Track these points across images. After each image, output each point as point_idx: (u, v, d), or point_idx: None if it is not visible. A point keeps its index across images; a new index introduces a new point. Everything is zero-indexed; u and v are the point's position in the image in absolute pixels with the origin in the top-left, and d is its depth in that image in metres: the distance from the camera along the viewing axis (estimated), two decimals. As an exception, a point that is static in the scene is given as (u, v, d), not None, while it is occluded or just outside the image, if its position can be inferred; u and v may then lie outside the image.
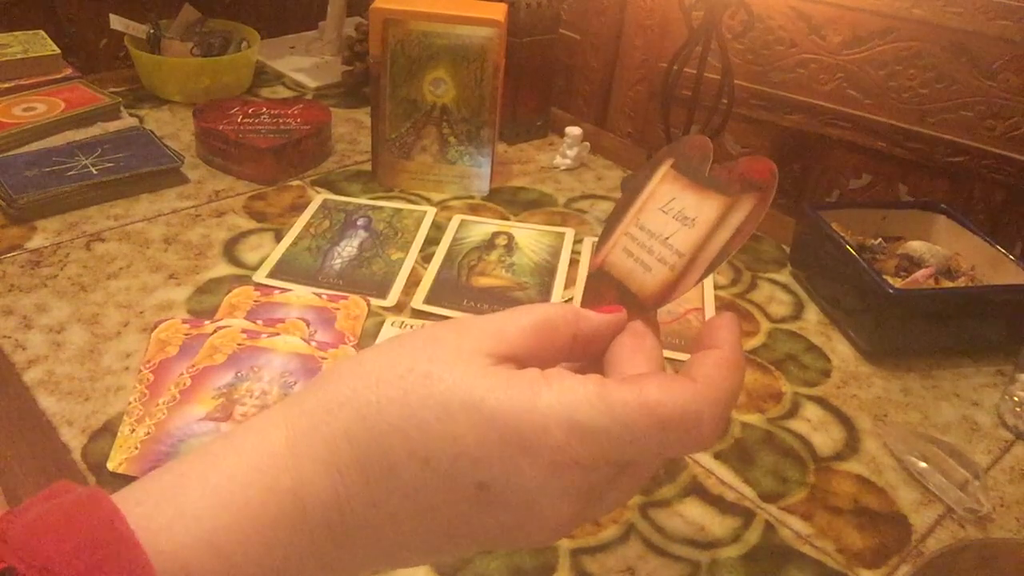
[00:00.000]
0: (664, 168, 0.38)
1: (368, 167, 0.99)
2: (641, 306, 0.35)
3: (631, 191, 0.39)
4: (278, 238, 0.84)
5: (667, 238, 0.36)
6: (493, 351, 0.29)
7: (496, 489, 0.29)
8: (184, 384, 0.64)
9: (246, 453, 0.29)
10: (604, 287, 0.38)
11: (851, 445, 0.65)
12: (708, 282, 0.83)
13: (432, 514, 0.29)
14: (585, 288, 0.39)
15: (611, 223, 0.39)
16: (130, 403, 0.62)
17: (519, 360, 0.30)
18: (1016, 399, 0.68)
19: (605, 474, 0.30)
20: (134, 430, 0.60)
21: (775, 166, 0.34)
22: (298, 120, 1.00)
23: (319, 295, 0.76)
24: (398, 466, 0.28)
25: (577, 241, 0.87)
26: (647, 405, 0.28)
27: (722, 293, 0.82)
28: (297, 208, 0.90)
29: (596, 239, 0.89)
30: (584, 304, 0.38)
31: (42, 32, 1.13)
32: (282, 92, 1.18)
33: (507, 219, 0.92)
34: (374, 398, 0.29)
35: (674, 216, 0.36)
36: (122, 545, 0.26)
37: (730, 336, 0.33)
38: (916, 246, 0.80)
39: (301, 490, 0.28)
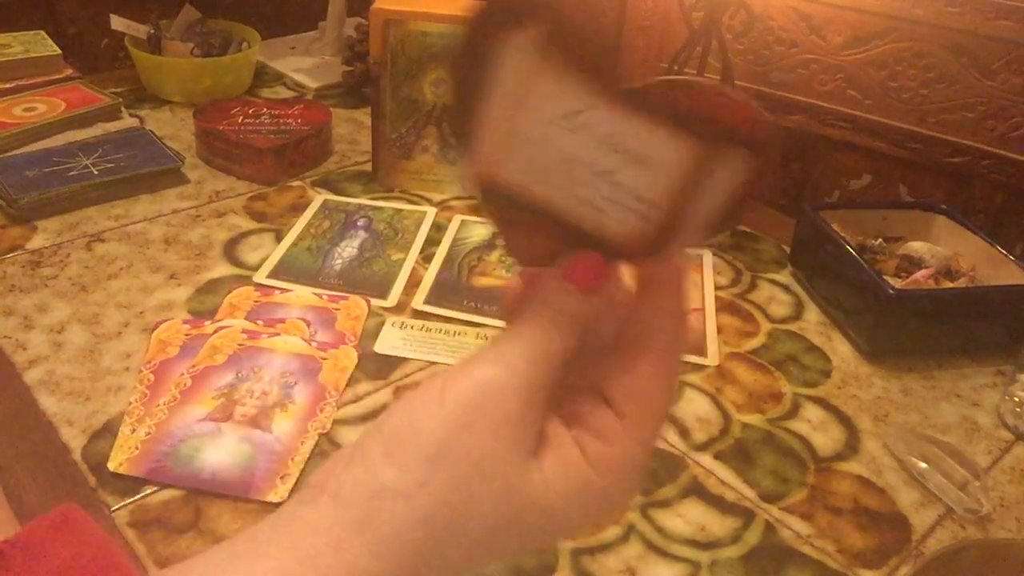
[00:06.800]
0: (529, 45, 0.24)
1: (368, 167, 0.99)
2: (616, 251, 0.28)
3: (471, 68, 0.25)
4: (278, 238, 0.84)
5: (606, 172, 0.27)
6: (525, 446, 0.29)
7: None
8: (184, 384, 0.64)
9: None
10: (525, 218, 0.28)
11: (851, 445, 0.65)
12: (708, 282, 0.83)
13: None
14: (498, 222, 0.29)
15: (470, 112, 0.26)
16: (130, 403, 0.62)
17: (537, 425, 0.29)
18: (1016, 399, 0.68)
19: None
20: (135, 430, 0.60)
21: (765, 114, 0.26)
22: (298, 120, 1.00)
23: (319, 295, 0.76)
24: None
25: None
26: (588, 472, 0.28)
27: (722, 293, 0.82)
28: (297, 208, 0.90)
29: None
30: (513, 248, 0.30)
31: (42, 32, 1.13)
32: (282, 92, 1.18)
33: (507, 219, 0.91)
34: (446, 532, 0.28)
35: (600, 143, 0.26)
36: None
37: (664, 324, 0.29)
38: (916, 246, 0.80)
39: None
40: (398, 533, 0.27)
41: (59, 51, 1.09)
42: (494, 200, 0.28)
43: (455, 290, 0.78)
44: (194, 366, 0.66)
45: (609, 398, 0.29)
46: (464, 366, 0.28)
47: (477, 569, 0.29)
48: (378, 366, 0.68)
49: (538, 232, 0.28)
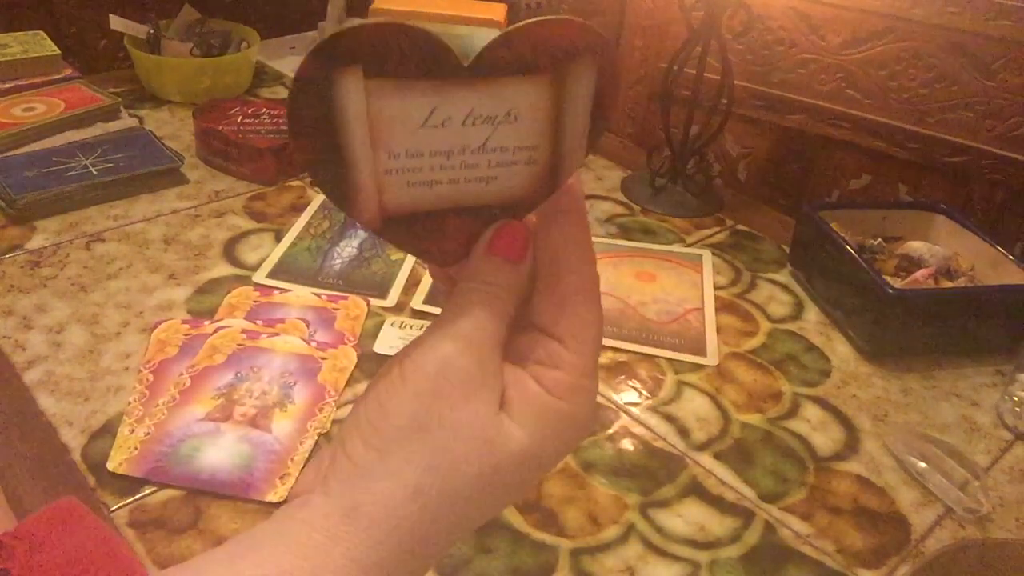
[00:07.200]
0: (355, 83, 0.26)
1: (368, 167, 0.99)
2: (521, 205, 0.30)
3: (314, 121, 0.26)
4: (278, 238, 0.84)
5: (483, 145, 0.28)
6: (494, 403, 0.30)
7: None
8: (184, 384, 0.64)
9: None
10: (429, 227, 0.30)
11: (851, 445, 0.65)
12: (708, 282, 0.83)
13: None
14: (405, 244, 0.30)
15: (334, 167, 0.27)
16: (130, 403, 0.62)
17: (499, 382, 0.30)
18: (1016, 399, 0.68)
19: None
20: (134, 430, 0.60)
21: (582, 21, 0.27)
22: (298, 120, 0.99)
23: (319, 295, 0.76)
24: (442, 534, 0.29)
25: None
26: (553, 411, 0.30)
27: (722, 293, 0.82)
28: (297, 208, 0.90)
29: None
30: (429, 256, 0.31)
31: (42, 32, 1.13)
32: (282, 92, 1.18)
33: (507, 219, 0.91)
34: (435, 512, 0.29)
35: (465, 123, 0.28)
36: None
37: (574, 244, 0.30)
38: (916, 246, 0.80)
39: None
40: (391, 512, 0.27)
41: (58, 51, 1.09)
42: (392, 229, 0.29)
43: (455, 290, 0.78)
44: (193, 366, 0.66)
45: (547, 328, 0.30)
46: (418, 345, 0.29)
47: (473, 528, 0.30)
48: (377, 366, 0.68)
49: (446, 232, 0.30)
